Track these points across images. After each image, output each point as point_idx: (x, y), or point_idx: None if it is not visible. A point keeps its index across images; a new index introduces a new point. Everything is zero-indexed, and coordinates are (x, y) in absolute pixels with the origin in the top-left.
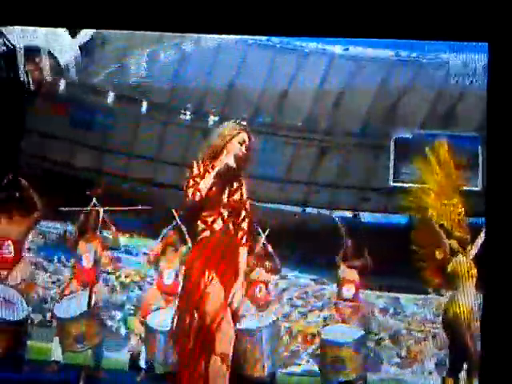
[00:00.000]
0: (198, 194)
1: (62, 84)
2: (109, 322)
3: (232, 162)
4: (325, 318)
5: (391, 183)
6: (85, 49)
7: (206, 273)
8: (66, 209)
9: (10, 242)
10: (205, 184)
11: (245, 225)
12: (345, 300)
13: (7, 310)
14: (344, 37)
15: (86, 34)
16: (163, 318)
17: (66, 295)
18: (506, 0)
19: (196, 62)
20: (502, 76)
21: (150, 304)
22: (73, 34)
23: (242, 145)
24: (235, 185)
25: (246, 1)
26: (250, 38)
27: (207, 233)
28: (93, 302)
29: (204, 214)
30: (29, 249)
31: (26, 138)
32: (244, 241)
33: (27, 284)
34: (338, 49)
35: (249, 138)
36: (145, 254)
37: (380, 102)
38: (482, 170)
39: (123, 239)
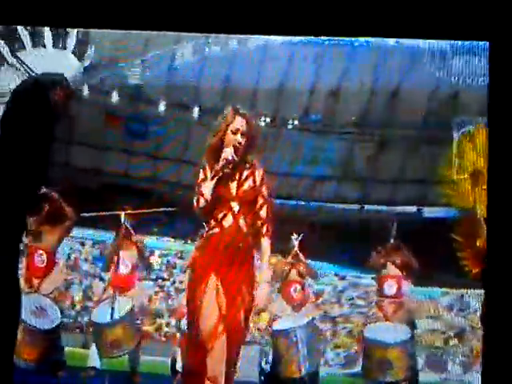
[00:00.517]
0: (202, 199)
1: (115, 96)
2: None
3: (230, 156)
4: (368, 316)
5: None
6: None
7: (211, 278)
8: (89, 214)
9: (41, 251)
10: (207, 188)
11: (263, 212)
12: (387, 297)
13: (41, 318)
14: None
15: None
16: None
17: (102, 301)
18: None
19: (243, 63)
20: (502, 75)
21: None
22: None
23: (236, 134)
24: (245, 174)
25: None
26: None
27: (216, 230)
28: (127, 308)
29: (215, 212)
30: (86, 259)
31: (74, 150)
32: (264, 230)
33: (60, 292)
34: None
35: (246, 121)
36: None
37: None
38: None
39: (178, 245)
